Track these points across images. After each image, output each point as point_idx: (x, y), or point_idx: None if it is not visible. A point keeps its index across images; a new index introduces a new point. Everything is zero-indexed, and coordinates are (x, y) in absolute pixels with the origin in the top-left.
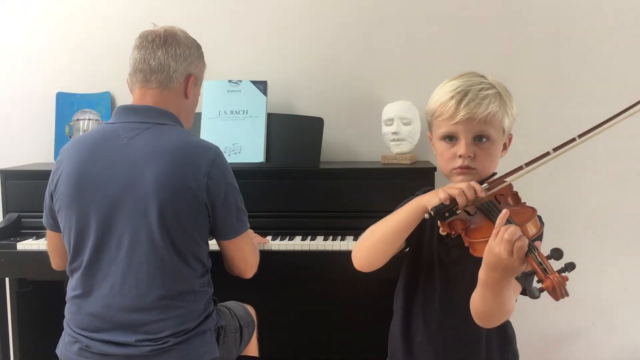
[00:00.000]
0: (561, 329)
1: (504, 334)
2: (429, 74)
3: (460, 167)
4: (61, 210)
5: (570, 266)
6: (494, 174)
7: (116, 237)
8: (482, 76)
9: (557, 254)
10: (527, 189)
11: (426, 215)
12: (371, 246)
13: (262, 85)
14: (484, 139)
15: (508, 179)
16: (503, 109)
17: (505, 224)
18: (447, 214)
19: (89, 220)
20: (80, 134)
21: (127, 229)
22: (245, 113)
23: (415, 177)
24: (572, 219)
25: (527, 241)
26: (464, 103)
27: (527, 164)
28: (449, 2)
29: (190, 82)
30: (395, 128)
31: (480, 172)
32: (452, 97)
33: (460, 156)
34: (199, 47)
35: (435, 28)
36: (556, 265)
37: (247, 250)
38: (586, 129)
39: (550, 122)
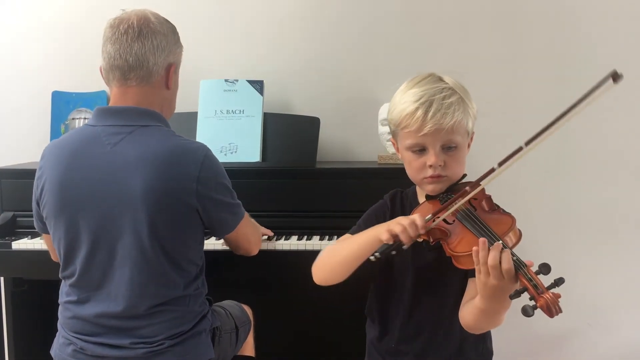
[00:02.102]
0: (556, 329)
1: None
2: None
3: (431, 177)
4: (49, 219)
5: (560, 281)
6: (464, 176)
7: (107, 248)
8: (441, 78)
9: (545, 269)
10: (524, 188)
11: (372, 258)
12: (331, 267)
13: (258, 85)
14: (452, 146)
15: (463, 199)
16: (466, 113)
17: (487, 235)
18: (393, 252)
19: (78, 231)
20: None
21: (117, 240)
22: (241, 112)
23: None
24: (567, 219)
25: (512, 262)
26: (430, 115)
27: (475, 182)
28: (447, 2)
29: (171, 72)
30: None
31: (451, 178)
32: (416, 109)
33: (430, 166)
34: (174, 30)
35: (433, 28)
36: (545, 279)
37: (249, 233)
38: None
39: (549, 121)
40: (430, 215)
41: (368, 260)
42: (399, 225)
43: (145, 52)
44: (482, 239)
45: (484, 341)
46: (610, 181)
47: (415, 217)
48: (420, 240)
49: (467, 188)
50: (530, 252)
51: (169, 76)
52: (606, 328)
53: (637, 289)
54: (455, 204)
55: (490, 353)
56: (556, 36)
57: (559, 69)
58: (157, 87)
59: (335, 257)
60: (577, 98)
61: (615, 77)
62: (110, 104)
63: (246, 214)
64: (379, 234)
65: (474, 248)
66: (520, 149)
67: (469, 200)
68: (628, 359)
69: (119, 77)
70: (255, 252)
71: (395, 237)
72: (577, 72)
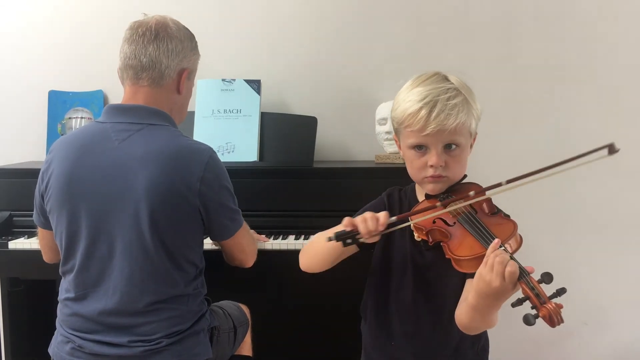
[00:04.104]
0: (553, 328)
1: None
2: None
3: (432, 176)
4: (52, 212)
5: (561, 291)
6: (465, 176)
7: (107, 242)
8: (446, 78)
9: (548, 278)
10: (522, 187)
11: (327, 239)
12: (310, 255)
13: (255, 84)
14: (454, 147)
15: (463, 202)
16: (470, 114)
17: (488, 239)
18: (348, 240)
19: (79, 224)
20: None
21: (118, 235)
22: (238, 112)
23: (409, 176)
24: (564, 219)
25: (517, 266)
26: (433, 115)
27: (487, 188)
28: (444, 2)
29: (184, 77)
30: (389, 127)
31: (451, 179)
32: (420, 108)
33: (431, 166)
34: (192, 37)
35: (430, 27)
36: (546, 289)
37: (244, 243)
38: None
39: (548, 121)
40: (395, 218)
41: (364, 247)
42: (361, 217)
43: (159, 55)
44: (497, 240)
45: (479, 340)
46: (606, 181)
47: (381, 214)
48: (418, 239)
49: (438, 204)
50: (527, 252)
51: (180, 80)
52: (603, 327)
53: (634, 289)
54: (434, 213)
55: (486, 352)
56: (556, 36)
57: (559, 69)
58: (167, 90)
59: (312, 246)
60: (571, 156)
61: (612, 149)
62: (122, 102)
63: (244, 224)
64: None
65: (496, 240)
66: (499, 184)
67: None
68: (625, 359)
69: (131, 76)
70: (250, 264)
71: (354, 226)
72: (577, 72)
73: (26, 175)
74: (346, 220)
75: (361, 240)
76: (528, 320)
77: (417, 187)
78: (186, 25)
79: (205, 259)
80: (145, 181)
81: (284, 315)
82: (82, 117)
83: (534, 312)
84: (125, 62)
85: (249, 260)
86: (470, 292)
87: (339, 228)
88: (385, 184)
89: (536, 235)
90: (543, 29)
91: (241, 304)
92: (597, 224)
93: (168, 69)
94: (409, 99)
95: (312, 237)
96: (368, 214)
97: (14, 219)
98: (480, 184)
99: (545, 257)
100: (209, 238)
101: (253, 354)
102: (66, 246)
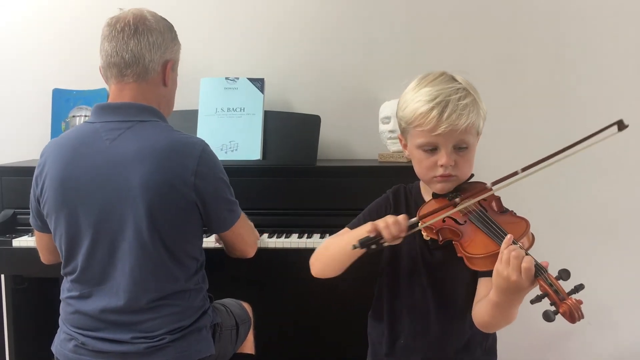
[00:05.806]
0: (557, 328)
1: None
2: (426, 72)
3: (442, 176)
4: (50, 215)
5: (580, 287)
6: (472, 175)
7: (108, 242)
8: (454, 78)
9: (565, 274)
10: (526, 186)
11: (351, 247)
12: (325, 261)
13: (259, 83)
14: (463, 147)
15: (478, 197)
16: (479, 114)
17: (501, 237)
18: (373, 246)
19: (79, 226)
20: None
21: (118, 234)
22: (242, 110)
23: (412, 175)
24: (568, 218)
25: (532, 261)
26: (445, 115)
27: (494, 183)
28: (447, 2)
29: (168, 69)
30: (392, 126)
31: (460, 178)
32: (432, 109)
33: (441, 165)
34: (171, 28)
35: (433, 26)
36: (564, 285)
37: (244, 233)
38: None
39: (551, 121)
40: (416, 218)
41: (358, 253)
42: (383, 222)
43: (141, 49)
44: (510, 235)
45: (487, 339)
46: (609, 181)
47: (400, 217)
48: (427, 238)
49: (457, 199)
50: (531, 252)
51: (165, 73)
52: (606, 327)
53: (638, 289)
54: (448, 211)
55: (494, 351)
56: (557, 36)
57: (560, 68)
58: (153, 84)
59: (328, 251)
60: (579, 138)
61: (621, 126)
62: (109, 100)
63: (243, 214)
64: (366, 229)
65: (509, 236)
66: (515, 173)
67: (479, 202)
68: (629, 358)
69: (116, 74)
70: (251, 254)
71: (377, 231)
72: (578, 72)
73: (30, 174)
74: (369, 226)
75: (385, 244)
76: (548, 317)
77: (422, 185)
78: (189, 24)
79: (207, 257)
80: (140, 178)
81: (286, 314)
82: (85, 116)
83: (553, 308)
84: (108, 60)
85: (250, 251)
86: (491, 289)
87: (359, 233)
88: (388, 182)
89: (540, 235)
90: (545, 27)
91: (243, 302)
92: (602, 223)
93: (152, 62)
94: (418, 98)
95: (324, 242)
96: (390, 219)
97: (18, 217)
98: (486, 182)
99: (549, 257)
100: (211, 237)
101: (255, 353)
102: (67, 248)
